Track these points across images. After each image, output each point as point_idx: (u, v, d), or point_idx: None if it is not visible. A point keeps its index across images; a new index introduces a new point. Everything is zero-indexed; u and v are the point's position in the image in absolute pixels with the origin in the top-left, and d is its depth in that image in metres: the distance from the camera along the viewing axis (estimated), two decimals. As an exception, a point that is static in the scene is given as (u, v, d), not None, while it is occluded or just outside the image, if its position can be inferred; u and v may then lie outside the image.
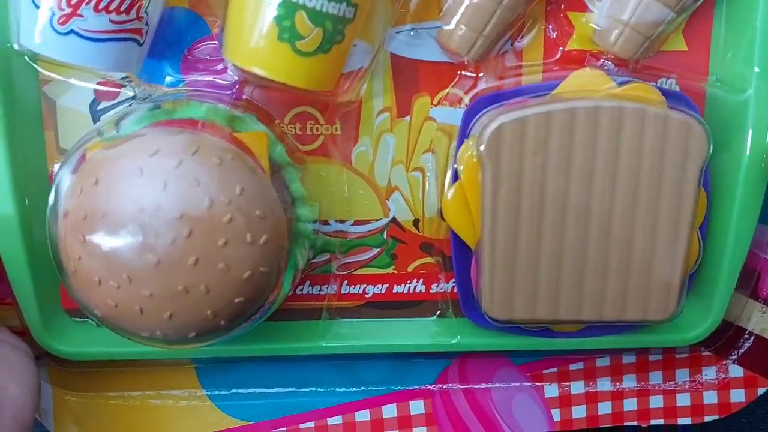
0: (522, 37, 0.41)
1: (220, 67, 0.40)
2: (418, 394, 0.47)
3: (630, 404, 0.47)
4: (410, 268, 0.44)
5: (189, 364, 0.46)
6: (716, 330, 0.44)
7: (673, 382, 0.47)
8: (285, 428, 0.46)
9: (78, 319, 0.44)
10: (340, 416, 0.46)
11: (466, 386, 0.47)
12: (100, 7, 0.35)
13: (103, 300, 0.35)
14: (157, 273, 0.33)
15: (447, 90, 0.42)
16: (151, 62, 0.39)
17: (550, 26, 0.41)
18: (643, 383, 0.47)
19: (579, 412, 0.47)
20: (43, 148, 0.41)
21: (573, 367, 0.47)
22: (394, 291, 0.45)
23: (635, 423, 0.47)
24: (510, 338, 0.44)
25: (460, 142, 0.41)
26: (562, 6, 0.41)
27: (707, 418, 0.47)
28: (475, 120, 0.40)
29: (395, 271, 0.44)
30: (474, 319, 0.43)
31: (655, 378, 0.47)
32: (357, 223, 0.43)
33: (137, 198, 0.33)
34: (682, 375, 0.47)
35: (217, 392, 0.46)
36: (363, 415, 0.46)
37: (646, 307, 0.40)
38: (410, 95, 0.42)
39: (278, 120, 0.41)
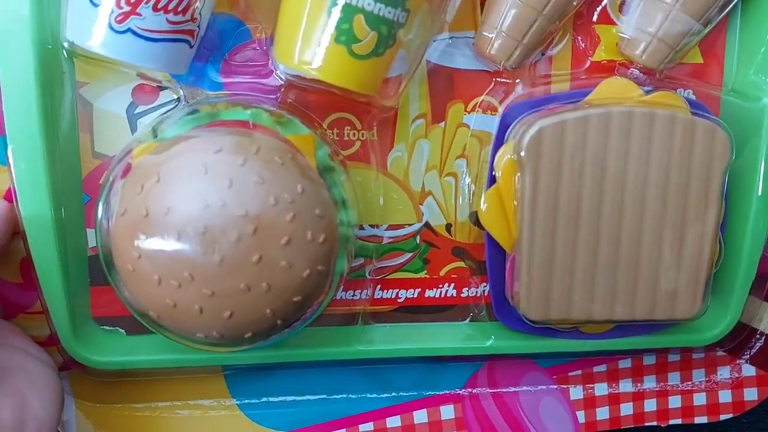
0: (552, 47, 0.43)
1: (263, 71, 0.41)
2: (449, 398, 0.47)
3: (650, 405, 0.49)
4: (442, 273, 0.45)
5: (218, 372, 0.45)
6: (731, 330, 0.46)
7: (690, 382, 0.49)
8: (316, 437, 0.46)
9: (107, 328, 0.43)
10: (372, 423, 0.46)
11: (496, 390, 0.47)
12: (159, 6, 0.35)
13: (161, 299, 0.34)
14: (220, 271, 0.33)
15: (481, 97, 0.43)
16: (195, 65, 0.39)
17: (579, 37, 0.43)
18: (662, 384, 0.49)
19: (603, 413, 0.48)
20: (77, 151, 0.40)
21: (597, 369, 0.48)
22: (426, 295, 0.45)
23: (655, 423, 0.49)
24: (541, 340, 0.45)
25: (495, 148, 0.42)
26: (593, 18, 0.42)
27: (722, 417, 0.49)
28: (512, 126, 0.42)
29: (428, 276, 0.45)
30: (507, 322, 0.44)
31: (674, 378, 0.49)
32: (391, 227, 0.44)
33: (202, 195, 0.33)
34: (699, 375, 0.49)
35: (246, 401, 0.46)
36: (394, 421, 0.46)
37: (675, 305, 0.42)
38: (445, 102, 0.43)
39: (318, 124, 0.42)
